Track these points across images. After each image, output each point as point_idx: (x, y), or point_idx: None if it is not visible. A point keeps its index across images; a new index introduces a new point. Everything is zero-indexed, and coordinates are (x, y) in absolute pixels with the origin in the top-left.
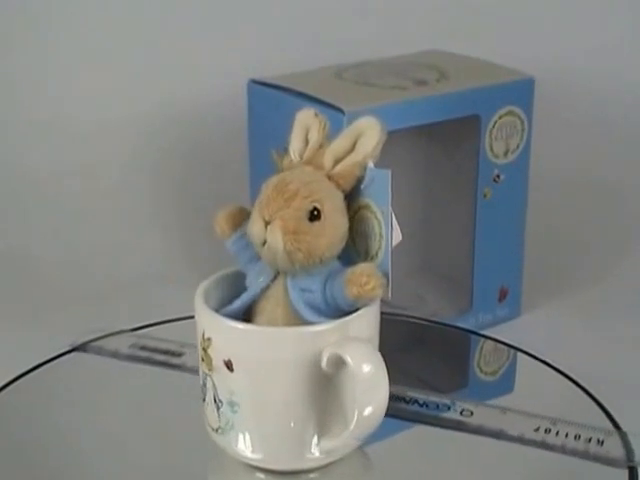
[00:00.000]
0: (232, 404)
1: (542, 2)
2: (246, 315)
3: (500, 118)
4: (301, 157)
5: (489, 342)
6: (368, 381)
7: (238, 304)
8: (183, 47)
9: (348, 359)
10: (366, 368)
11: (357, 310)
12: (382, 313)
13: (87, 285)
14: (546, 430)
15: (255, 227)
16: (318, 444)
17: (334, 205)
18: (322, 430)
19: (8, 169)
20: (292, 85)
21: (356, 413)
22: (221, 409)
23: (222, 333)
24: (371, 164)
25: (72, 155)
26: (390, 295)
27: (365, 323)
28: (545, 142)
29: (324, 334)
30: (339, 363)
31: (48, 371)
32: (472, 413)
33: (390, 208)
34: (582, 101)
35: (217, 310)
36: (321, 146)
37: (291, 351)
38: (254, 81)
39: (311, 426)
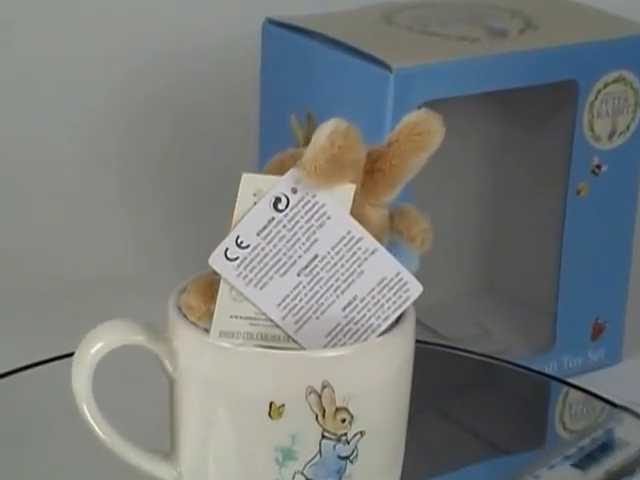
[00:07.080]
0: None
1: None
2: None
3: (605, 87)
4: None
5: (575, 391)
6: None
7: None
8: None
9: None
10: None
11: None
12: (422, 342)
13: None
14: None
15: None
16: None
17: None
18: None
19: None
20: (322, 29)
21: None
22: None
23: None
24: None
25: (34, 112)
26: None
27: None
28: None
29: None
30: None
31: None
32: None
33: None
34: None
35: None
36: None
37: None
38: (272, 21)
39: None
